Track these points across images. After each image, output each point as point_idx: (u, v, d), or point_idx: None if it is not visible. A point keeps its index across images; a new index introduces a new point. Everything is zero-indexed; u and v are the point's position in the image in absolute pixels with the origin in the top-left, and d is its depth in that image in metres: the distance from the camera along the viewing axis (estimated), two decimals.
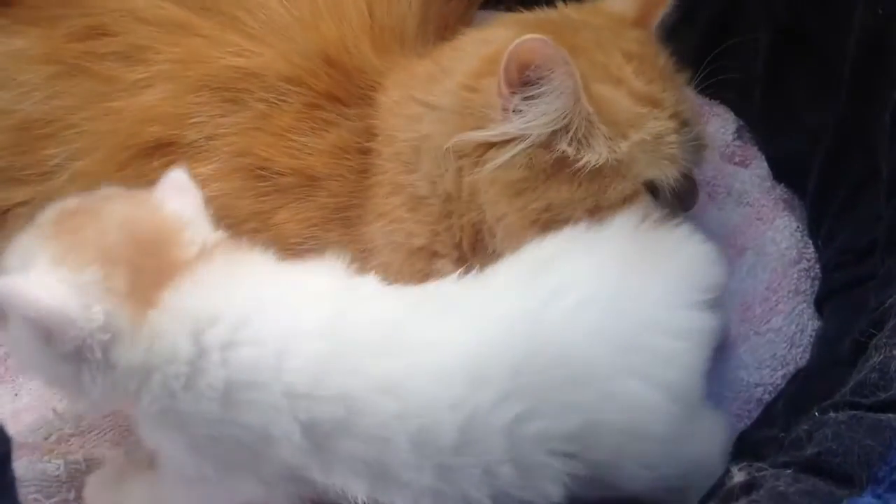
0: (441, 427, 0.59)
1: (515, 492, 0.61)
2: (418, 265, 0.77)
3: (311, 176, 0.79)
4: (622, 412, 0.62)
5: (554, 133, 0.72)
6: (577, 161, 0.72)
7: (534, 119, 0.71)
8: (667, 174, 0.75)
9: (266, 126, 0.79)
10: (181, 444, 0.61)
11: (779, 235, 0.96)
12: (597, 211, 0.73)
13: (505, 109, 0.72)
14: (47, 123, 0.86)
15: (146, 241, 0.61)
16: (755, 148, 1.04)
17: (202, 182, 0.73)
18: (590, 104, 0.72)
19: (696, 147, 0.77)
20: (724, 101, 1.05)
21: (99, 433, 0.82)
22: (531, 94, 0.71)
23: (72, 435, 0.81)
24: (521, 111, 0.72)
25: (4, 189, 0.86)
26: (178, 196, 0.65)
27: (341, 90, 0.79)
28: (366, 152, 0.80)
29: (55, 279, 0.57)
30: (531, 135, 0.72)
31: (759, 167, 1.03)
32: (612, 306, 0.63)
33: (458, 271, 0.68)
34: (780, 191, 1.00)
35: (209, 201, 0.69)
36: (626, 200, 0.74)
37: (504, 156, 0.72)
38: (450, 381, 0.60)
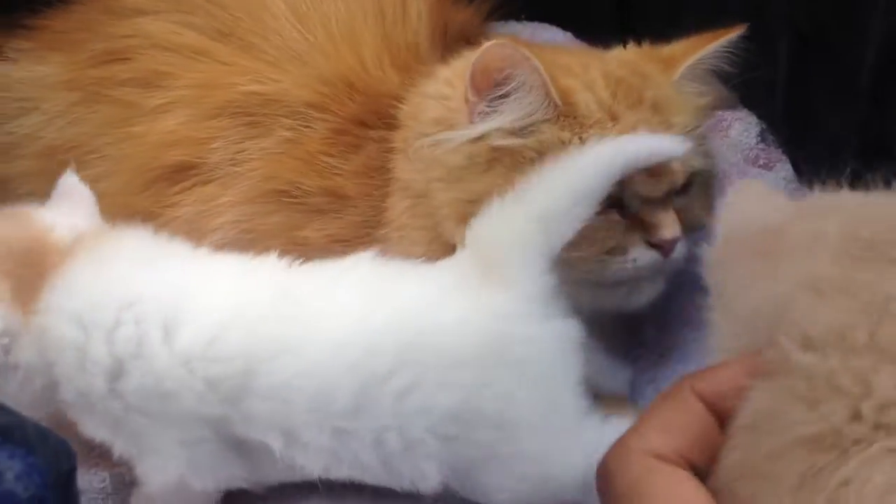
0: (338, 391, 0.65)
1: (399, 464, 0.66)
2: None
3: (340, 195, 0.80)
4: (496, 400, 0.65)
5: (522, 128, 0.74)
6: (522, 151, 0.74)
7: (502, 116, 0.73)
8: None
9: (293, 150, 0.80)
10: (100, 428, 0.68)
11: None
12: None
13: (472, 113, 0.75)
14: (69, 149, 0.87)
15: (21, 254, 0.69)
16: (779, 151, 1.04)
17: (228, 205, 0.77)
18: (559, 95, 0.73)
19: (652, 173, 0.74)
20: (748, 106, 1.04)
21: None
22: (500, 94, 0.73)
23: None
24: (488, 113, 0.74)
25: None
26: (66, 200, 0.74)
27: (366, 113, 0.80)
28: (390, 170, 0.81)
29: None
30: (498, 129, 0.74)
31: (783, 170, 1.03)
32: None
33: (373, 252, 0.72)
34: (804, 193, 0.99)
35: (234, 224, 0.74)
36: None
37: (450, 142, 0.75)
38: (347, 347, 0.65)
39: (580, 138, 0.73)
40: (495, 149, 0.74)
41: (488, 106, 0.74)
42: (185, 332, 0.66)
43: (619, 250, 0.75)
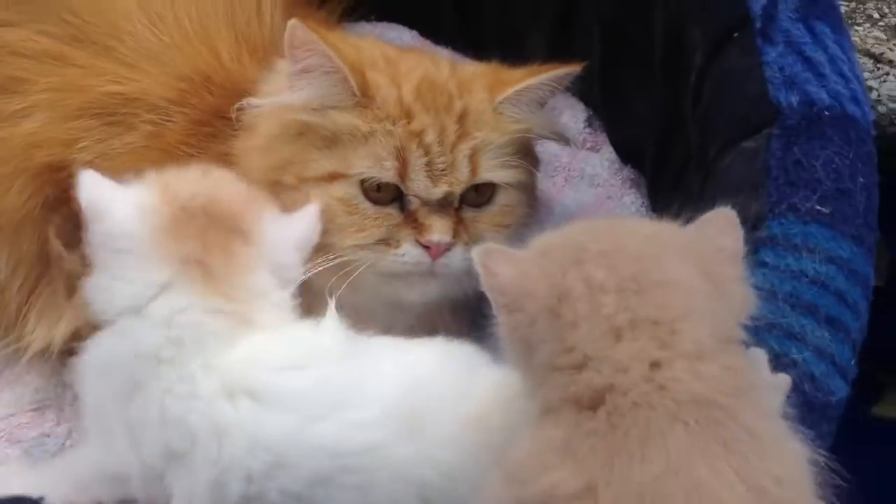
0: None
1: None
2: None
3: None
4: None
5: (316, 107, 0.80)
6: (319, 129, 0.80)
7: (303, 92, 0.80)
8: (369, 171, 0.80)
9: (156, 144, 0.86)
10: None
11: (626, 211, 1.08)
12: (301, 184, 0.80)
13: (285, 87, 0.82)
14: None
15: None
16: (604, 135, 1.16)
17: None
18: (358, 87, 0.80)
19: (432, 177, 0.80)
20: (574, 94, 1.16)
21: None
22: (299, 69, 0.80)
23: None
24: (293, 86, 0.81)
25: None
26: None
27: (225, 105, 0.86)
28: None
29: None
30: (293, 103, 0.81)
31: (608, 151, 1.15)
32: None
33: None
34: (627, 171, 1.12)
35: None
36: (332, 178, 0.80)
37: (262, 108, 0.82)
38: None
39: (371, 128, 0.80)
40: (303, 123, 0.81)
41: (295, 79, 0.81)
42: None
43: (392, 242, 0.80)
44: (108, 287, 0.70)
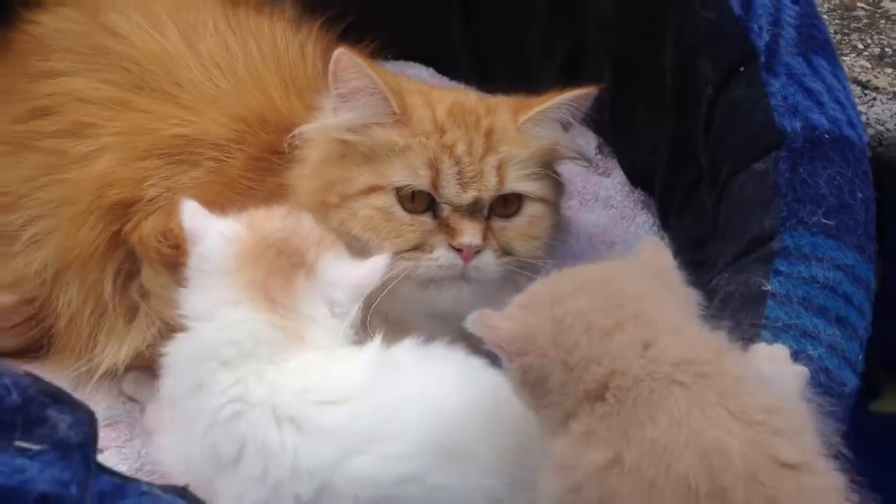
0: None
1: None
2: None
3: None
4: None
5: (358, 126, 0.88)
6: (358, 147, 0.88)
7: (348, 114, 0.88)
8: (405, 180, 0.87)
9: (218, 178, 0.94)
10: None
11: (640, 230, 1.17)
12: (344, 202, 0.88)
13: (332, 109, 0.90)
14: (2, 195, 0.99)
15: None
16: (614, 160, 1.25)
17: (175, 231, 0.88)
18: (398, 106, 0.88)
19: (462, 184, 0.87)
20: (585, 123, 1.24)
21: None
22: (345, 92, 0.88)
23: None
24: (338, 108, 0.89)
25: None
26: None
27: (279, 142, 0.94)
28: None
29: None
30: (340, 124, 0.89)
31: (618, 176, 1.24)
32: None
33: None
34: (638, 194, 1.21)
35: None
36: (371, 191, 0.87)
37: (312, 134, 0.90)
38: None
39: (406, 141, 0.88)
40: (344, 142, 0.89)
41: (341, 102, 0.88)
42: None
43: (426, 248, 0.87)
44: (193, 298, 0.79)
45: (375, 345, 0.78)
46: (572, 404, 0.63)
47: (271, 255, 0.78)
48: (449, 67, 1.34)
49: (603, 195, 1.22)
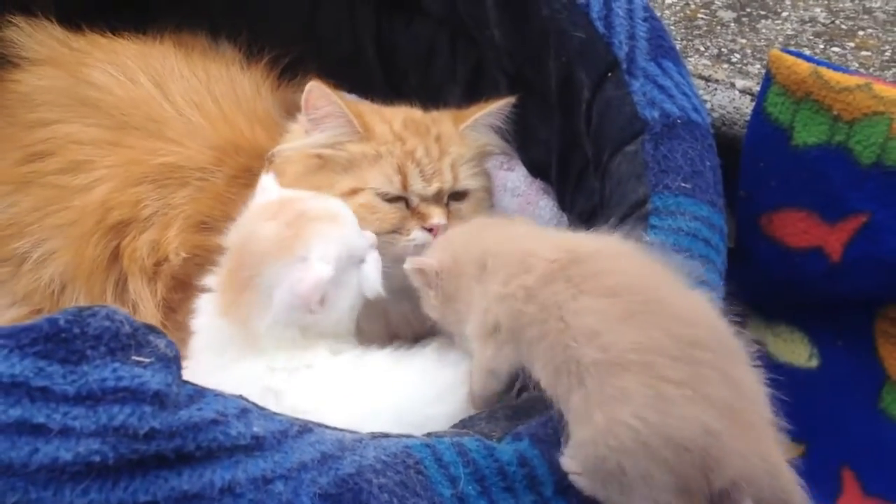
0: None
1: None
2: None
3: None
4: None
5: (332, 144, 1.09)
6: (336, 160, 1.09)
7: (322, 134, 1.09)
8: (382, 185, 1.10)
9: (205, 194, 1.14)
10: None
11: (543, 212, 1.42)
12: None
13: (305, 132, 1.11)
14: (10, 226, 1.17)
15: None
16: (516, 158, 1.49)
17: (170, 240, 1.07)
18: (360, 126, 1.10)
19: (426, 179, 1.11)
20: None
21: None
22: (318, 117, 1.09)
23: None
24: (313, 130, 1.10)
25: None
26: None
27: (251, 162, 1.15)
28: None
29: None
30: (316, 143, 1.10)
31: (521, 170, 1.48)
32: None
33: None
34: (538, 183, 1.46)
35: (177, 251, 1.04)
36: (353, 192, 1.08)
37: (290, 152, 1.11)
38: None
39: (376, 151, 1.10)
40: (320, 156, 1.10)
41: (313, 126, 1.09)
42: None
43: (403, 231, 1.09)
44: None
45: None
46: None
47: None
48: (368, 92, 1.56)
49: (510, 186, 1.46)
